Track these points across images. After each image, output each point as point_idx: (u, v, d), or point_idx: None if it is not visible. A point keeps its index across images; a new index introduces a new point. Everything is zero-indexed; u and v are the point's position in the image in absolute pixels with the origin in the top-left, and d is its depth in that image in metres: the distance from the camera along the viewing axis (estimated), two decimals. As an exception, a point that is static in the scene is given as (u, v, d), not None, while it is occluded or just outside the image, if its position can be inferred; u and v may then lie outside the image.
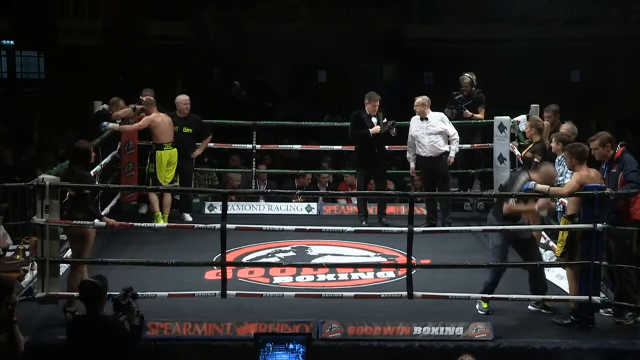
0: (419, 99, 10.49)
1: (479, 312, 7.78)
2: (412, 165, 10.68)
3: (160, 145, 10.40)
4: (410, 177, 11.42)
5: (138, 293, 6.24)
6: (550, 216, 9.23)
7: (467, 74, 11.49)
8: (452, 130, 10.52)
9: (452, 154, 10.53)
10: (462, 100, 11.39)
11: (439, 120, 10.50)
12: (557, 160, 8.67)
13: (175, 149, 10.47)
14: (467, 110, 11.31)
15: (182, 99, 10.83)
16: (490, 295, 7.82)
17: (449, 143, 10.51)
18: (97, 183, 9.16)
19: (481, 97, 11.45)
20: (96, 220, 7.73)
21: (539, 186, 7.65)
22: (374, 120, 10.61)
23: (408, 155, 10.69)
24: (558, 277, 8.54)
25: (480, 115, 11.36)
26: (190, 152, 10.86)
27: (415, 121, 10.55)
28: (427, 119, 10.46)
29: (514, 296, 7.83)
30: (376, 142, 10.58)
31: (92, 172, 8.66)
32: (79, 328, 5.91)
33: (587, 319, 7.57)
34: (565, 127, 9.17)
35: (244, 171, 12.29)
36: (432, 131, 10.44)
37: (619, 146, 7.74)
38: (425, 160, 10.51)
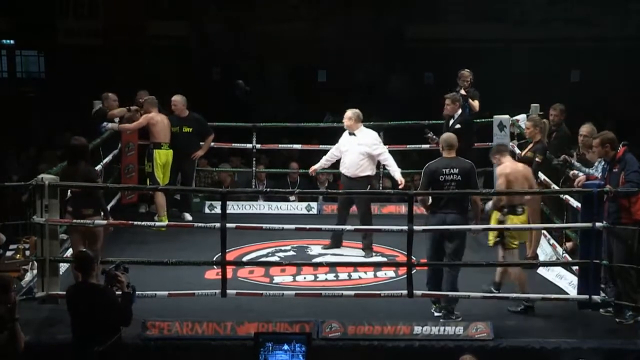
0: (348, 112, 9.48)
1: (435, 313, 7.68)
2: (316, 165, 9.95)
3: (158, 144, 10.41)
4: (410, 177, 11.37)
5: (137, 290, 6.44)
6: (553, 214, 9.24)
7: (468, 70, 11.36)
8: (378, 151, 9.46)
9: (397, 176, 9.46)
10: (463, 97, 11.29)
11: (365, 140, 9.43)
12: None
13: (171, 150, 10.45)
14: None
15: (177, 99, 10.79)
16: (490, 295, 7.82)
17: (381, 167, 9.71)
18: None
19: (476, 93, 11.31)
20: (96, 221, 7.79)
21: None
22: (451, 122, 10.44)
23: (323, 161, 9.87)
24: (558, 276, 8.54)
25: (475, 104, 11.21)
26: (191, 152, 10.82)
27: (345, 135, 9.61)
28: (355, 135, 9.46)
29: (514, 295, 7.83)
30: None
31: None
32: (75, 294, 6.34)
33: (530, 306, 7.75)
34: (585, 129, 8.95)
35: (243, 170, 12.29)
36: (356, 150, 9.40)
37: (620, 146, 7.72)
38: (345, 179, 9.57)
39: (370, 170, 9.49)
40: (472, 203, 7.91)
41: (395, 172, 9.53)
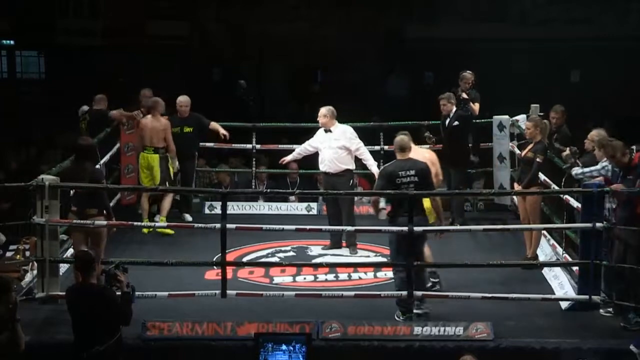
0: (322, 110, 9.61)
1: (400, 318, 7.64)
2: (288, 158, 10.19)
3: (142, 147, 10.38)
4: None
5: (138, 291, 6.50)
6: (553, 214, 9.23)
7: (470, 72, 11.16)
8: (356, 146, 9.58)
9: (374, 169, 9.50)
10: (464, 100, 11.21)
11: (342, 135, 9.56)
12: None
13: (157, 155, 10.31)
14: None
15: (182, 100, 10.79)
16: (491, 295, 7.82)
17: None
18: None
19: (477, 95, 11.20)
20: (96, 221, 7.81)
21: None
22: (447, 120, 10.49)
23: (295, 153, 10.10)
24: (554, 277, 8.54)
25: (476, 107, 11.12)
26: (192, 152, 10.81)
27: (320, 132, 9.76)
28: (330, 131, 9.57)
29: (514, 296, 7.83)
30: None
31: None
32: (74, 294, 6.37)
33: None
34: (594, 134, 8.85)
35: (243, 171, 12.29)
36: (334, 145, 9.53)
37: (635, 151, 7.65)
38: (326, 176, 9.67)
39: (350, 164, 9.59)
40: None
41: (372, 166, 9.64)
